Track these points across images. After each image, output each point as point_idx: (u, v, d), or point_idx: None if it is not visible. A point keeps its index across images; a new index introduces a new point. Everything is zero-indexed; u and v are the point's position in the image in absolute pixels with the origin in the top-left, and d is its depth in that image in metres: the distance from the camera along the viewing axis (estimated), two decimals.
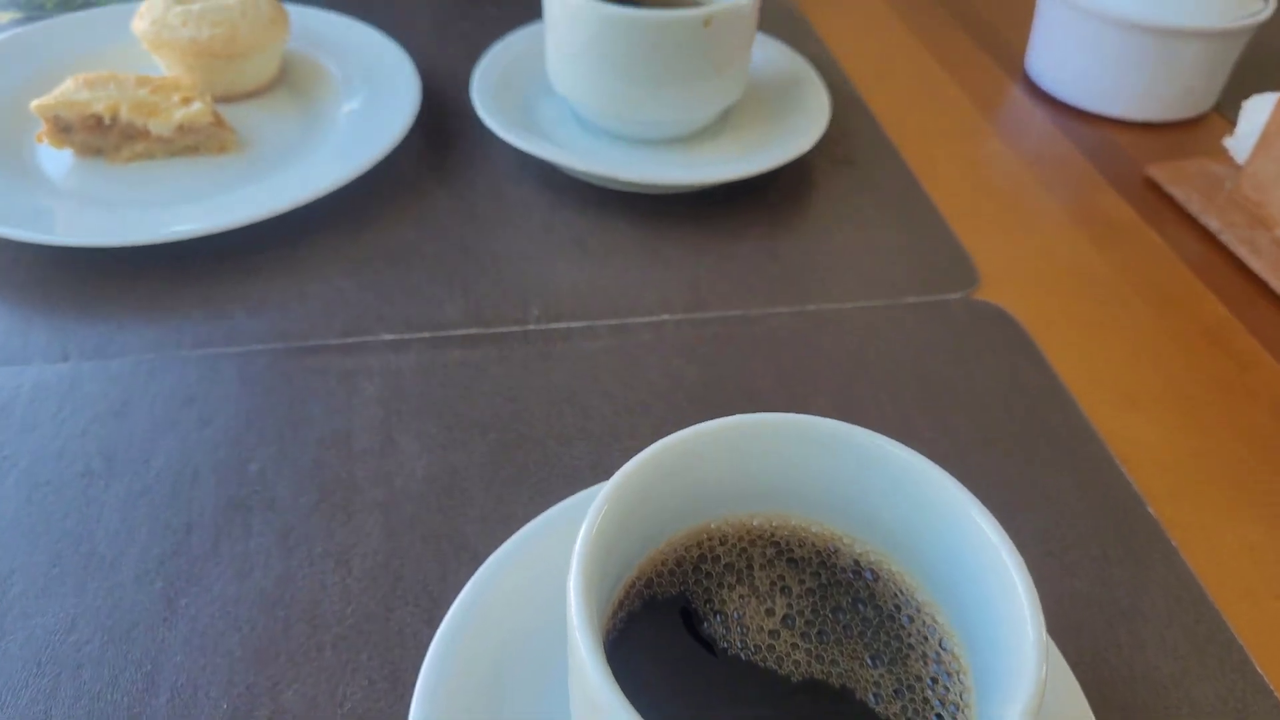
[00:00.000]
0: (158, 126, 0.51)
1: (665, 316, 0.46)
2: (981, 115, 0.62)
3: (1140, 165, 0.59)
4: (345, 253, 0.48)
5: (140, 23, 0.55)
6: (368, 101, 0.56)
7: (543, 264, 0.48)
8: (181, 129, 0.51)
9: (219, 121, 0.52)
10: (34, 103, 0.50)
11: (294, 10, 0.62)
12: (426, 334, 0.44)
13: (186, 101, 0.52)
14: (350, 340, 0.44)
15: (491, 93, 0.56)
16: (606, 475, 0.24)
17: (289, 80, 0.59)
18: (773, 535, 0.26)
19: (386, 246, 0.49)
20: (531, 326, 0.45)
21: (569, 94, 0.53)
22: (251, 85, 0.57)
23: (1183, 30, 0.59)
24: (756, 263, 0.49)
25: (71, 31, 0.60)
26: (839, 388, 0.43)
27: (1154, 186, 0.58)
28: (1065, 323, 0.47)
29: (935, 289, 0.48)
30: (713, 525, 0.26)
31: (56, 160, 0.52)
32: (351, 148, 0.52)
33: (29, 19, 0.66)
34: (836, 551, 0.26)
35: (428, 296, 0.46)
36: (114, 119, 0.51)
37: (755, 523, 0.27)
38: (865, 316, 0.47)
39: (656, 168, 0.52)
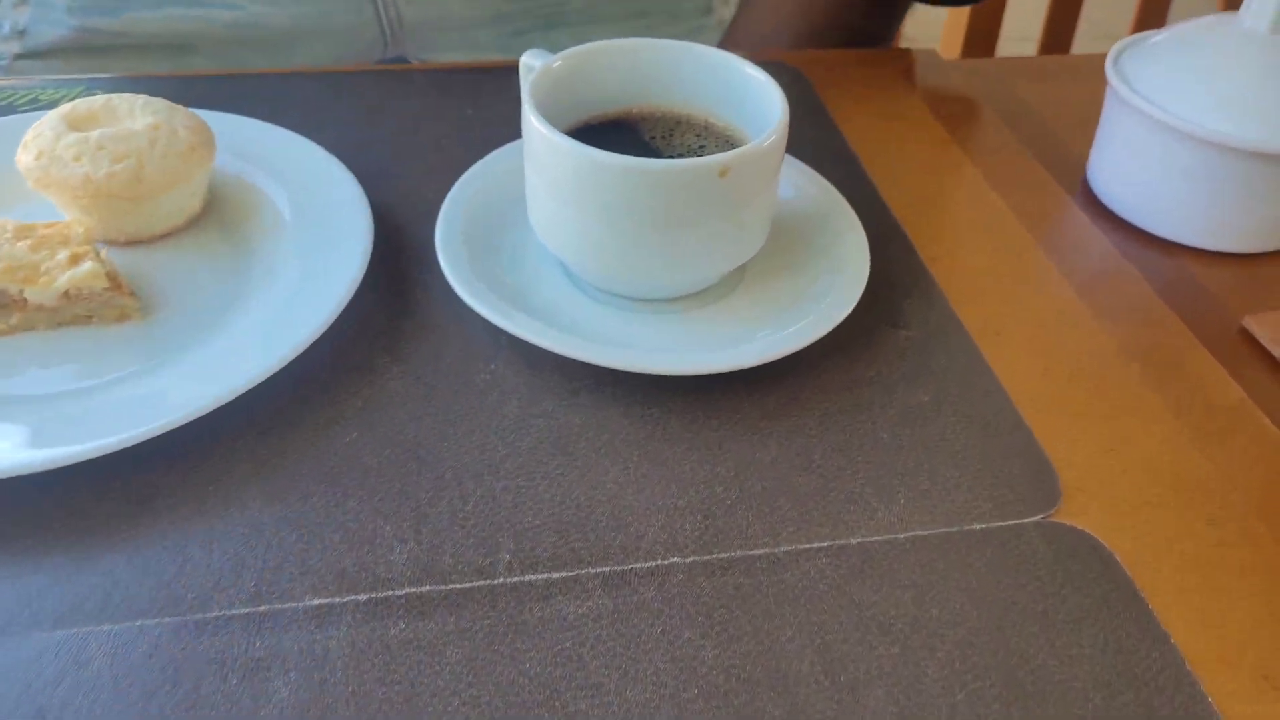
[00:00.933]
0: (37, 295, 0.41)
1: (673, 559, 0.36)
2: (1047, 256, 0.52)
3: (1231, 311, 0.50)
4: (266, 465, 0.38)
5: (25, 155, 0.45)
6: (309, 248, 0.45)
7: (517, 480, 0.38)
8: (68, 296, 0.41)
9: (116, 285, 0.42)
10: None
11: (228, 121, 0.52)
12: (364, 595, 0.34)
13: (75, 260, 0.41)
14: (262, 608, 0.33)
15: (460, 238, 0.46)
16: None
17: (216, 212, 0.49)
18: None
19: (319, 456, 0.39)
20: (501, 579, 0.35)
21: (558, 251, 0.44)
22: (164, 227, 0.47)
23: (1273, 154, 0.50)
24: (785, 474, 0.39)
25: None
26: (897, 671, 0.33)
27: (1252, 341, 0.48)
28: (1174, 561, 0.37)
29: (1008, 509, 0.39)
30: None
31: None
32: (285, 316, 0.42)
33: None
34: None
35: (369, 534, 0.36)
36: None
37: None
38: (922, 553, 0.37)
39: (659, 349, 0.42)
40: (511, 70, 0.52)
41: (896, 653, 0.34)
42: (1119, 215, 0.56)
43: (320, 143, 0.52)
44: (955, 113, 0.64)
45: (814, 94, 0.65)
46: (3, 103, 0.58)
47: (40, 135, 0.45)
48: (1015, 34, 0.99)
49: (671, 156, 0.45)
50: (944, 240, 0.53)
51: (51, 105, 0.57)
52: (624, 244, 0.41)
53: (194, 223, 0.48)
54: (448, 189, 0.49)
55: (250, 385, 0.38)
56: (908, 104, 0.65)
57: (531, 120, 0.41)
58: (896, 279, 0.49)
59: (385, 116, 0.59)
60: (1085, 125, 0.61)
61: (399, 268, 0.48)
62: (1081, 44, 0.95)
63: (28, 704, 0.30)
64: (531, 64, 0.47)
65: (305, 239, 0.46)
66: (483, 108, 0.60)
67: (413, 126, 0.58)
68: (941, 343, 0.46)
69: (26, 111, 0.57)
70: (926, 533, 0.38)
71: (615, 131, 0.47)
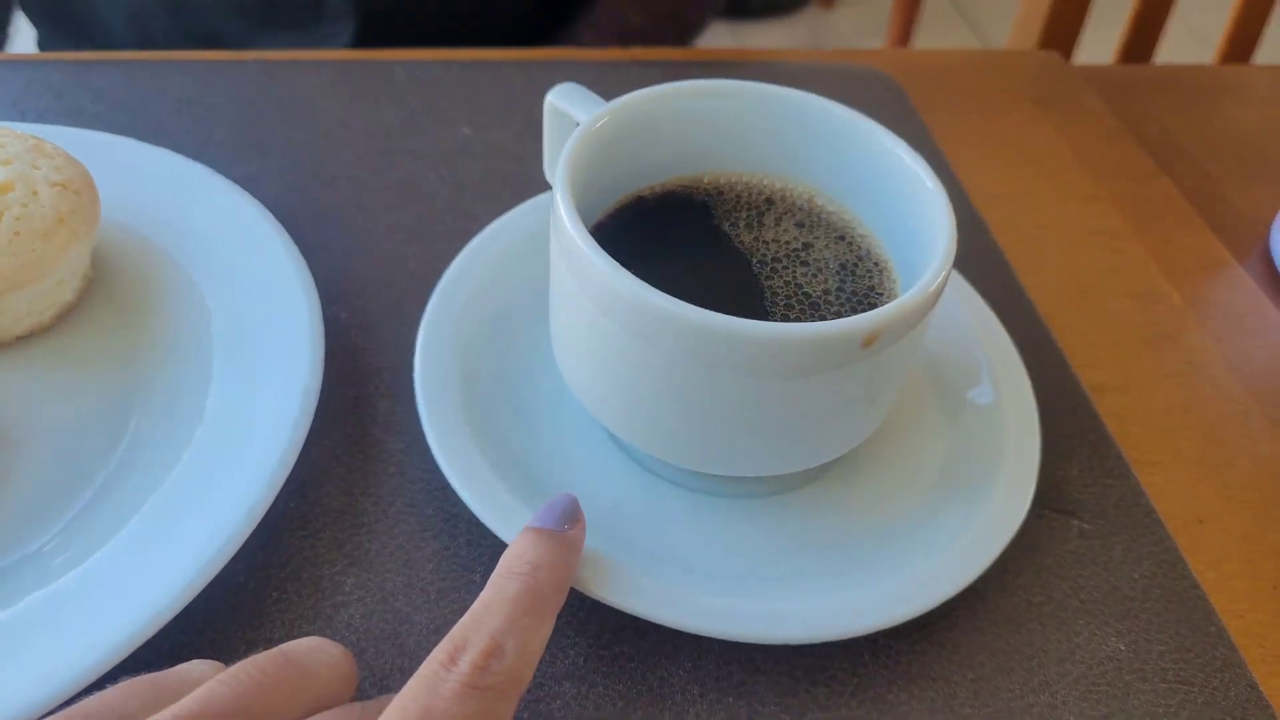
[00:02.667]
0: None
1: None
2: (1245, 386, 0.38)
3: None
4: None
5: None
6: (230, 380, 0.31)
7: None
8: None
9: None
10: None
11: (122, 150, 0.37)
12: None
13: None
14: None
15: (454, 374, 0.31)
16: None
17: (96, 300, 0.34)
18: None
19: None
20: None
21: (605, 419, 0.29)
22: (19, 331, 0.32)
23: None
24: None
25: None
26: None
27: None
28: None
29: None
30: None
31: None
32: (189, 506, 0.28)
33: None
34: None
35: None
36: None
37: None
38: None
39: (740, 592, 0.28)
40: (517, 66, 0.37)
41: None
42: None
43: (245, 173, 0.38)
44: (1097, 151, 0.50)
45: (914, 114, 0.50)
46: None
47: None
48: (1185, 32, 0.79)
49: (762, 253, 0.31)
50: (1109, 358, 0.39)
51: None
52: (709, 425, 0.27)
53: (64, 317, 0.33)
54: (431, 267, 0.35)
55: (131, 646, 0.24)
56: (1039, 136, 0.50)
57: (572, 236, 0.26)
58: (1058, 426, 0.35)
59: (346, 133, 0.44)
60: (1262, 165, 0.47)
61: (358, 399, 0.33)
62: (1172, 48, 0.78)
63: None
64: (565, 109, 0.32)
65: (221, 363, 0.32)
66: (482, 126, 0.45)
67: (383, 151, 0.43)
68: (1130, 542, 0.32)
69: None
70: None
71: (677, 212, 0.33)
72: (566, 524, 0.26)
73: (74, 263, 0.32)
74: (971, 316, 0.36)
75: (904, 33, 1.82)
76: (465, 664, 0.21)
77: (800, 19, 2.12)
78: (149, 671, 0.22)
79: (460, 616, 0.23)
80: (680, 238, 0.32)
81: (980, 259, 0.41)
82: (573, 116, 0.33)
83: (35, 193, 0.31)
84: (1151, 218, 0.46)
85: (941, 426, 0.33)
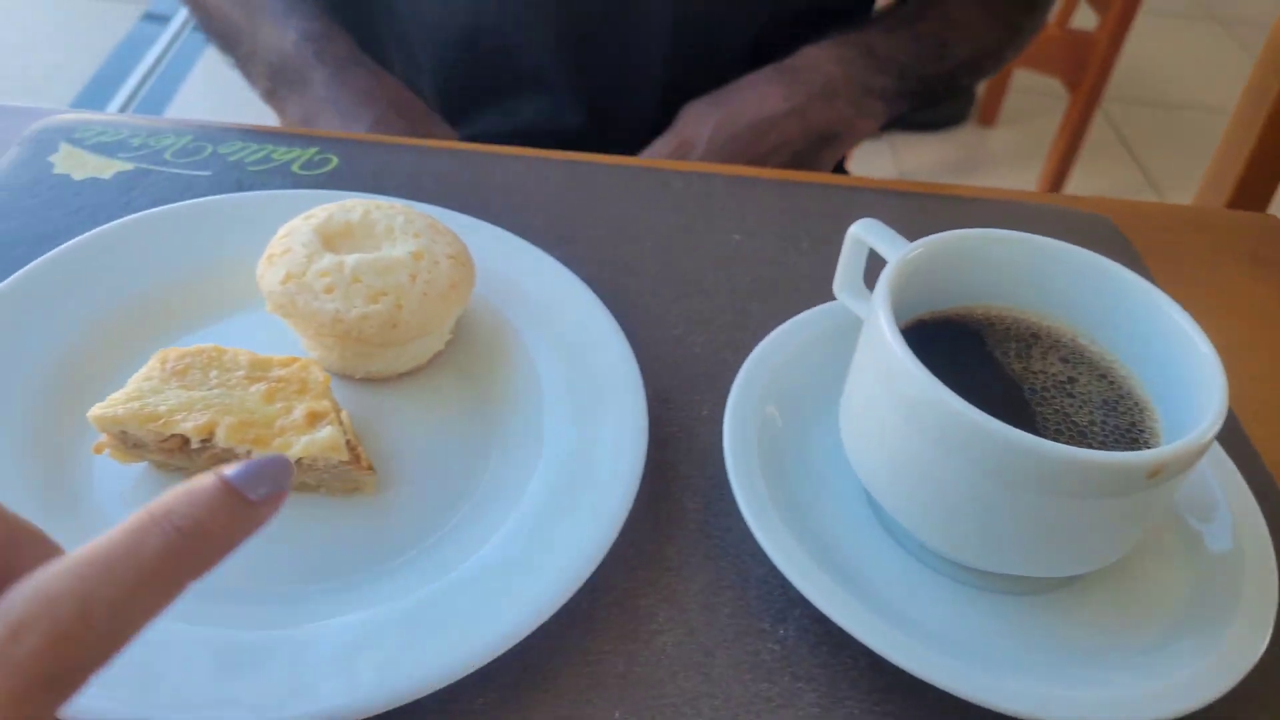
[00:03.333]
0: None
1: None
2: None
3: None
4: None
5: (270, 273, 0.38)
6: (569, 428, 0.38)
7: None
8: (299, 464, 0.35)
9: (355, 457, 0.35)
10: (93, 412, 0.34)
11: (478, 233, 0.45)
12: None
13: (313, 421, 0.35)
14: None
15: (754, 447, 0.37)
16: None
17: (459, 348, 0.42)
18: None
19: None
20: None
21: (900, 514, 0.34)
22: (405, 369, 0.40)
23: None
24: None
25: (175, 237, 0.44)
26: None
27: None
28: None
29: None
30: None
31: (118, 475, 0.36)
32: (542, 537, 0.34)
33: (139, 171, 0.51)
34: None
35: None
36: (205, 442, 0.34)
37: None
38: None
39: (1022, 670, 0.32)
40: (778, 185, 0.43)
41: None
42: None
43: (559, 256, 0.45)
44: None
45: (1139, 261, 0.54)
46: (232, 159, 0.52)
47: (290, 251, 0.38)
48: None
49: (1031, 382, 0.36)
50: None
51: (283, 168, 0.52)
52: (990, 527, 0.32)
53: (434, 362, 0.41)
54: (715, 354, 0.41)
55: (501, 649, 0.31)
56: (1255, 293, 0.53)
57: (894, 349, 0.32)
58: None
59: (637, 230, 0.51)
60: None
61: (661, 462, 0.40)
62: None
63: None
64: (866, 240, 0.38)
65: (563, 410, 0.39)
66: (751, 234, 0.52)
67: (668, 248, 0.50)
68: None
69: (256, 170, 0.51)
70: None
71: (953, 338, 0.38)
72: (265, 489, 0.21)
73: (451, 322, 0.40)
74: (1207, 459, 0.40)
75: (1066, 156, 1.85)
76: (34, 639, 0.17)
77: (958, 134, 2.17)
78: None
79: (751, 663, 0.27)
80: (958, 361, 0.37)
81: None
82: (872, 247, 0.39)
83: (437, 263, 0.39)
84: None
85: (1182, 554, 0.37)
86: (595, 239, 0.50)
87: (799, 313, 0.45)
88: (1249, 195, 0.72)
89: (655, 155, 0.62)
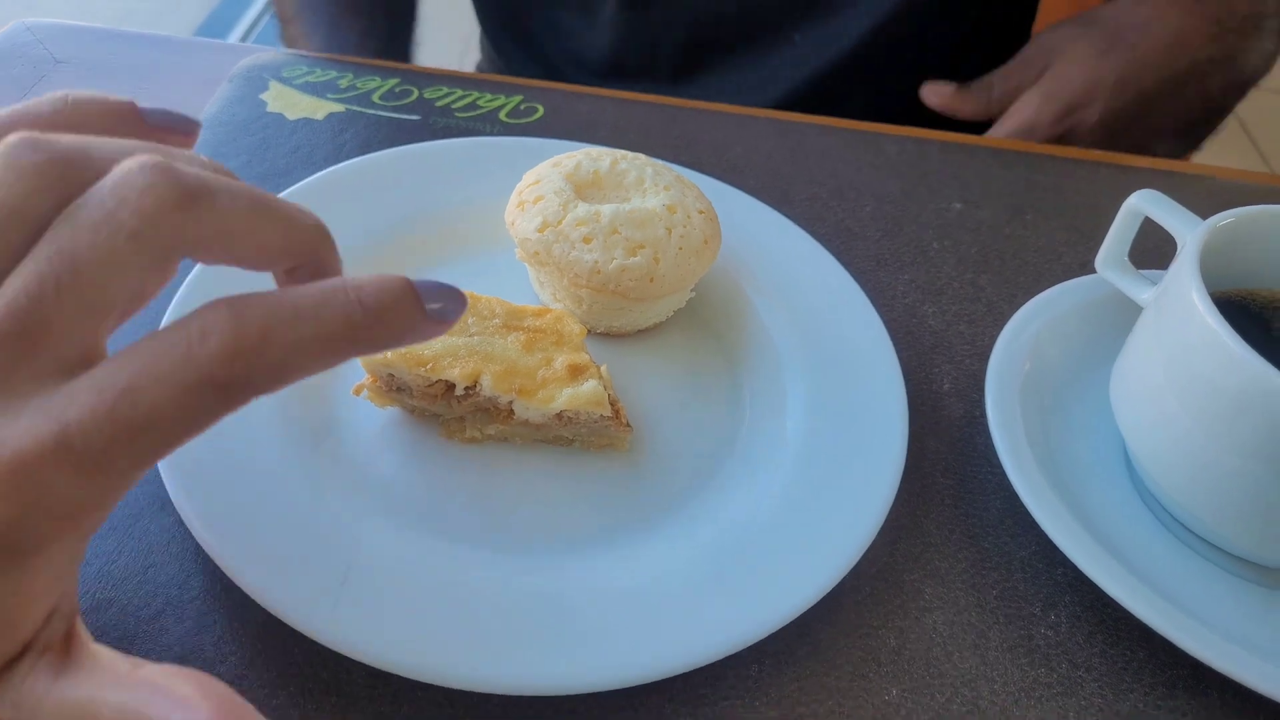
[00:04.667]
0: (529, 410, 0.34)
1: None
2: None
3: None
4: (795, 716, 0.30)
5: (524, 221, 0.37)
6: (820, 395, 0.37)
7: None
8: (560, 417, 0.34)
9: (615, 413, 0.34)
10: (364, 359, 0.33)
11: (711, 195, 0.43)
12: None
13: (575, 374, 0.34)
14: None
15: (1019, 422, 0.35)
16: None
17: (702, 304, 0.41)
18: None
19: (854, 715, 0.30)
20: None
21: (1177, 496, 0.33)
22: (647, 324, 0.39)
23: None
24: None
25: (409, 181, 0.43)
26: None
27: None
28: None
29: None
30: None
31: (369, 417, 0.35)
32: (808, 504, 0.33)
33: (350, 114, 0.51)
34: None
35: None
36: (470, 389, 0.34)
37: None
38: None
39: None
40: (993, 153, 0.41)
41: None
42: None
43: (779, 204, 0.43)
44: None
45: None
46: (439, 104, 0.52)
47: (544, 199, 0.37)
48: None
49: None
50: None
51: (490, 116, 0.51)
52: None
53: (674, 317, 0.40)
54: (949, 325, 0.40)
55: (782, 622, 0.30)
56: None
57: (1214, 330, 0.30)
58: None
59: (857, 195, 0.49)
60: None
61: (912, 435, 0.38)
62: None
63: None
64: (1147, 210, 0.36)
65: (811, 375, 0.37)
66: (973, 203, 0.49)
67: (890, 215, 0.48)
68: None
69: (465, 117, 0.51)
70: None
71: (1236, 315, 0.36)
72: (439, 305, 0.21)
73: (697, 278, 0.39)
74: None
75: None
76: (217, 343, 0.18)
77: None
78: None
79: (1026, 647, 0.26)
80: (1253, 340, 0.35)
81: None
82: (1154, 219, 0.36)
83: (690, 217, 0.38)
84: None
85: None
86: (813, 200, 0.48)
87: (1032, 286, 0.43)
88: None
89: (1024, 112, 0.48)
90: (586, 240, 0.36)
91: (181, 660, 0.29)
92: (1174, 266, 0.33)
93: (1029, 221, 0.49)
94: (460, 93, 0.53)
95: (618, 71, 0.65)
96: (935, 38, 0.61)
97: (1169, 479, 0.33)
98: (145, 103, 0.24)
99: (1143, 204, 0.37)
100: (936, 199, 0.49)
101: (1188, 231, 0.35)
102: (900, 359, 0.40)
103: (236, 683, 0.29)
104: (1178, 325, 0.32)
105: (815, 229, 0.45)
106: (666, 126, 0.52)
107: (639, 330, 0.39)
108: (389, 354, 0.33)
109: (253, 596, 0.28)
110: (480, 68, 0.77)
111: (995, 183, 0.51)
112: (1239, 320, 0.35)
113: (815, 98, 0.61)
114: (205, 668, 0.27)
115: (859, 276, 0.44)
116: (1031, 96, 0.48)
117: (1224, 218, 0.34)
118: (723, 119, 0.53)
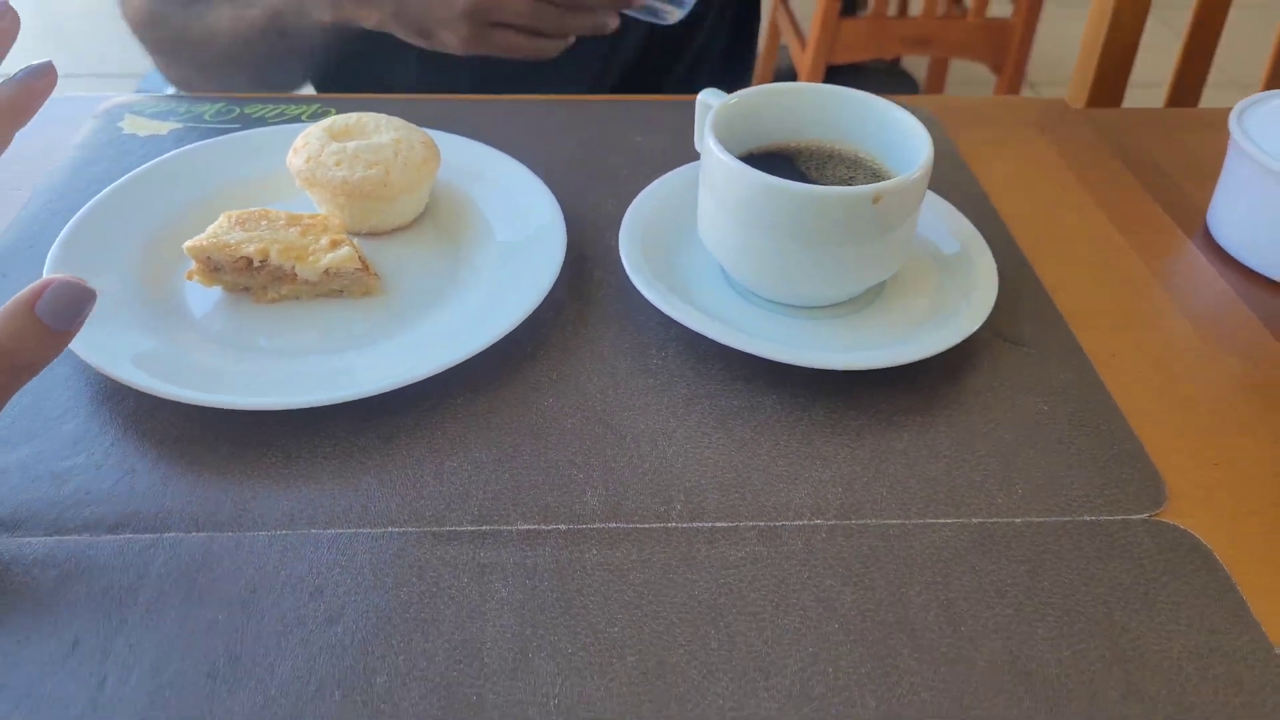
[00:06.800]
0: (305, 271, 0.50)
1: (817, 521, 0.43)
2: (1165, 291, 0.57)
3: None
4: (484, 420, 0.47)
5: (295, 159, 0.55)
6: (511, 247, 0.54)
7: (686, 447, 0.46)
8: (328, 274, 0.51)
9: (365, 267, 0.51)
10: (187, 243, 0.50)
11: (442, 140, 0.62)
12: (564, 526, 0.42)
13: (334, 245, 0.51)
14: (485, 528, 0.42)
15: (639, 244, 0.54)
16: None
17: (434, 215, 0.58)
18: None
19: (527, 415, 0.47)
20: (673, 524, 0.42)
21: (724, 259, 0.51)
22: (398, 222, 0.57)
23: None
24: (915, 460, 0.45)
25: (226, 156, 0.60)
26: (1011, 628, 0.38)
27: None
28: (1273, 566, 0.42)
29: (1116, 506, 0.44)
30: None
31: (203, 298, 0.52)
32: (496, 296, 0.50)
33: (187, 129, 0.68)
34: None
35: (567, 480, 0.44)
36: (263, 262, 0.50)
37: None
38: (1036, 536, 0.42)
39: (809, 346, 0.49)
40: (667, 105, 0.59)
41: (1011, 613, 0.39)
42: (1236, 259, 0.60)
43: (521, 160, 0.62)
44: (1082, 160, 0.69)
45: (947, 137, 0.71)
46: (255, 116, 0.69)
47: (308, 144, 0.55)
48: (1144, 80, 1.02)
49: (824, 182, 0.52)
50: (1067, 273, 0.58)
51: (295, 120, 0.69)
52: (784, 258, 0.49)
53: (419, 221, 0.58)
54: (625, 205, 0.58)
55: (471, 354, 0.47)
56: (1037, 150, 0.70)
57: (712, 148, 0.49)
58: (1021, 304, 0.55)
59: (567, 139, 0.68)
60: (1207, 175, 0.65)
61: (586, 269, 0.56)
62: (1212, 95, 0.98)
63: (310, 580, 0.39)
64: (709, 102, 0.55)
65: (510, 241, 0.55)
66: (650, 134, 0.68)
67: (591, 150, 0.67)
68: (1061, 361, 0.51)
69: (276, 122, 0.68)
70: (1040, 520, 0.43)
71: (775, 161, 0.54)
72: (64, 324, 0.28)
73: (427, 188, 0.57)
74: (962, 233, 0.56)
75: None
76: None
77: None
78: None
79: (642, 369, 0.44)
80: (774, 171, 0.54)
81: (982, 218, 0.61)
82: (711, 104, 0.55)
83: (413, 145, 0.56)
84: (1112, 197, 0.65)
85: (935, 285, 0.53)
86: (545, 151, 0.67)
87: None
88: (1103, 94, 0.90)
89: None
90: (338, 164, 0.54)
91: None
92: (704, 128, 0.52)
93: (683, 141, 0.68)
94: (273, 106, 0.70)
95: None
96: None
97: (729, 259, 0.51)
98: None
99: (707, 98, 0.56)
100: (624, 136, 0.68)
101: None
102: (574, 227, 0.57)
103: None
104: (709, 166, 0.50)
105: (540, 167, 0.64)
106: (441, 115, 0.70)
107: (394, 229, 0.57)
108: (204, 242, 0.50)
109: (122, 383, 0.44)
110: None
111: (666, 121, 0.70)
112: (776, 164, 0.54)
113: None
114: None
115: (559, 190, 0.62)
116: None
117: (732, 98, 0.53)
118: (494, 105, 0.72)
